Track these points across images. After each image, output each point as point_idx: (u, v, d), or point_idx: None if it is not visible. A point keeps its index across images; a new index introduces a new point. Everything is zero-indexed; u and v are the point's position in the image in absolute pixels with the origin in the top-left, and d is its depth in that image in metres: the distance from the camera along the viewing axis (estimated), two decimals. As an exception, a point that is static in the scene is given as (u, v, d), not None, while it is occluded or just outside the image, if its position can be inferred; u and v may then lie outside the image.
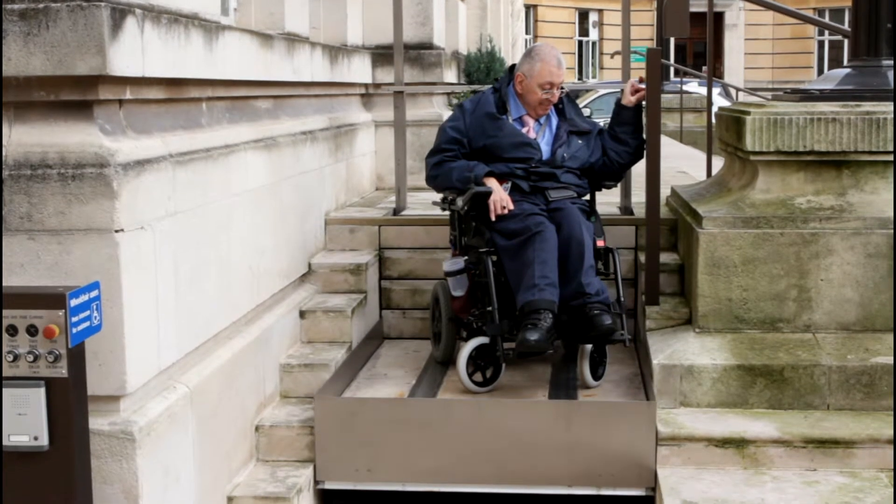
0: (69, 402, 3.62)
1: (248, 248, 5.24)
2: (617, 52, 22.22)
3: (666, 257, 6.19)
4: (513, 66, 6.00)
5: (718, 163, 6.92)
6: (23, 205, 3.83)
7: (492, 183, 5.66)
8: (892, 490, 4.65)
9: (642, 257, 6.07)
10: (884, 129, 5.36)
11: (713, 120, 7.49)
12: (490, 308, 5.55)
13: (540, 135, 5.88)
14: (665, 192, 6.77)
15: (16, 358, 3.60)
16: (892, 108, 5.41)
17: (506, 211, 5.55)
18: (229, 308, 5.02)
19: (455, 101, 9.67)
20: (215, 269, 4.80)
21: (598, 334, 5.42)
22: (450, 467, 5.17)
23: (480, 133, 5.81)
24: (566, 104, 6.00)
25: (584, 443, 5.09)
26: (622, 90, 6.13)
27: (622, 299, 5.66)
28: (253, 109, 5.68)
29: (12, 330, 3.59)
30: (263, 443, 5.29)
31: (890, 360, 5.19)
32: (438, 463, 5.17)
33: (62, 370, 3.60)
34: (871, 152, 5.41)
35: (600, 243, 5.74)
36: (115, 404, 3.96)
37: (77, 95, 3.88)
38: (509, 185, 5.71)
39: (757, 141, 5.44)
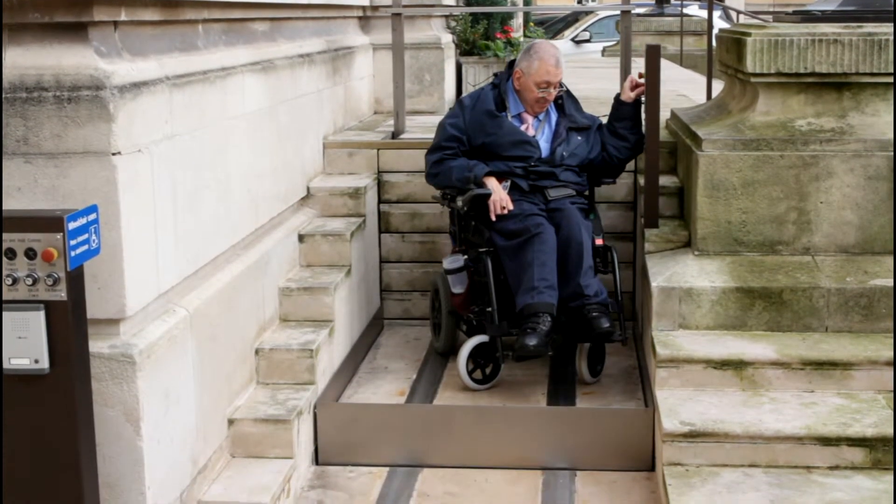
0: (69, 325, 3.62)
1: (246, 172, 5.22)
2: (617, -25, 21.95)
3: (665, 180, 6.18)
4: (512, 62, 5.98)
5: (718, 86, 6.88)
6: (19, 128, 3.80)
7: (491, 183, 5.67)
8: (889, 411, 4.68)
9: (642, 180, 6.05)
10: (885, 51, 5.32)
11: (713, 42, 7.43)
12: (490, 309, 5.59)
13: (539, 132, 5.87)
14: (664, 114, 6.73)
15: (15, 281, 3.59)
16: (892, 29, 5.36)
17: (505, 211, 5.57)
18: (228, 232, 5.01)
19: (454, 23, 9.58)
20: (213, 193, 4.79)
21: (596, 336, 5.49)
22: (450, 471, 5.18)
23: (479, 131, 5.80)
24: (565, 99, 6.00)
25: (583, 446, 5.13)
26: (622, 86, 6.09)
27: (620, 298, 5.72)
28: (250, 32, 5.63)
29: (11, 253, 3.58)
30: (263, 366, 5.31)
31: (889, 282, 5.19)
32: (439, 466, 5.20)
33: (61, 293, 3.60)
34: (872, 74, 5.37)
35: (599, 242, 5.77)
36: (115, 327, 3.96)
37: (72, 17, 3.83)
38: (508, 183, 5.71)
39: (757, 63, 5.40)
